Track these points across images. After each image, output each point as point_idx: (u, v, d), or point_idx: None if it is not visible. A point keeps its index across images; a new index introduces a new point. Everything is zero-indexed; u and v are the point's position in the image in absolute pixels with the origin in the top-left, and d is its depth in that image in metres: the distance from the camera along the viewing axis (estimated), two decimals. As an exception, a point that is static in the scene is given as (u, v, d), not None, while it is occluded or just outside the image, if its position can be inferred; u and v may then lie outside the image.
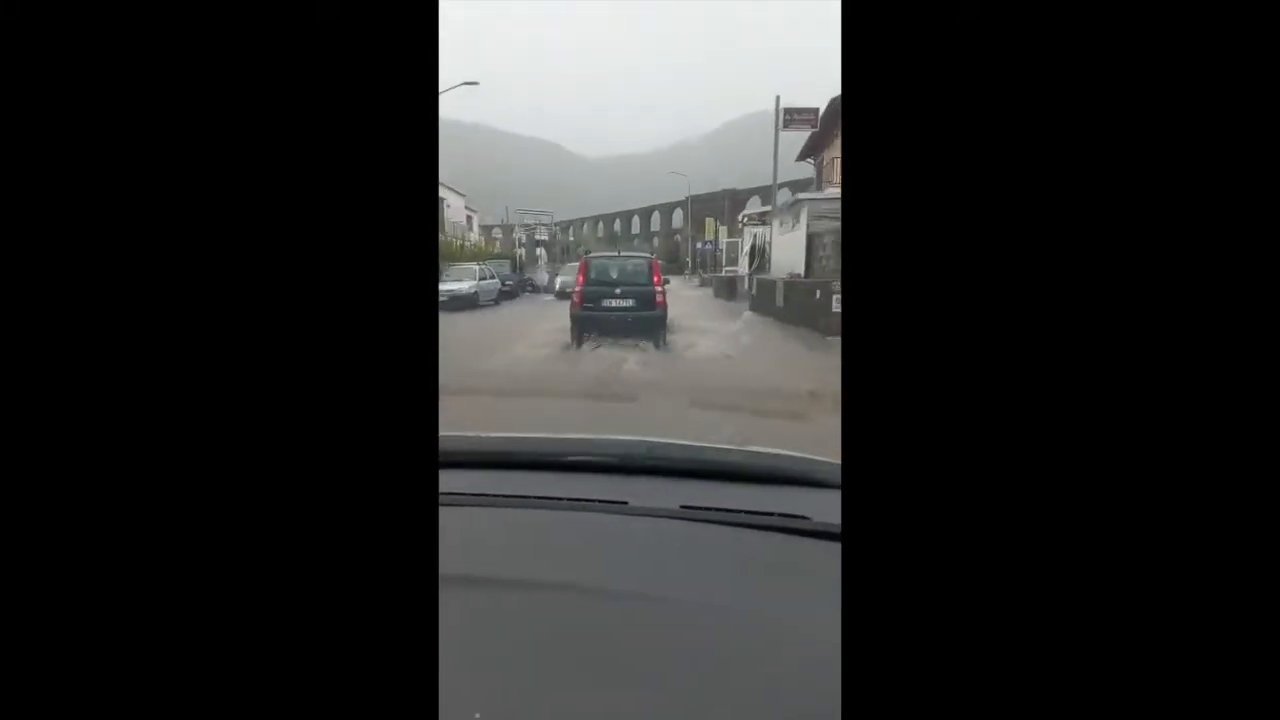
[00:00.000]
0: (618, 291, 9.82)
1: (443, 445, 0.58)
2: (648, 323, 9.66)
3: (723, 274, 27.06)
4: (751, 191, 51.44)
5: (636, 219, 65.15)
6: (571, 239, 66.53)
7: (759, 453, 1.31)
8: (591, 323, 9.74)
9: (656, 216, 62.94)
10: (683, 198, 54.11)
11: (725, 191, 51.10)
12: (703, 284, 32.59)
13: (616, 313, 9.70)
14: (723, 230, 37.10)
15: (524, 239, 37.23)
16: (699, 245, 39.09)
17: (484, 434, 1.40)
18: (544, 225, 38.67)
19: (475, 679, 0.62)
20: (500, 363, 8.35)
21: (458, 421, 1.22)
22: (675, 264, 41.10)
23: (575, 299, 9.98)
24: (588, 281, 9.98)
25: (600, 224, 69.63)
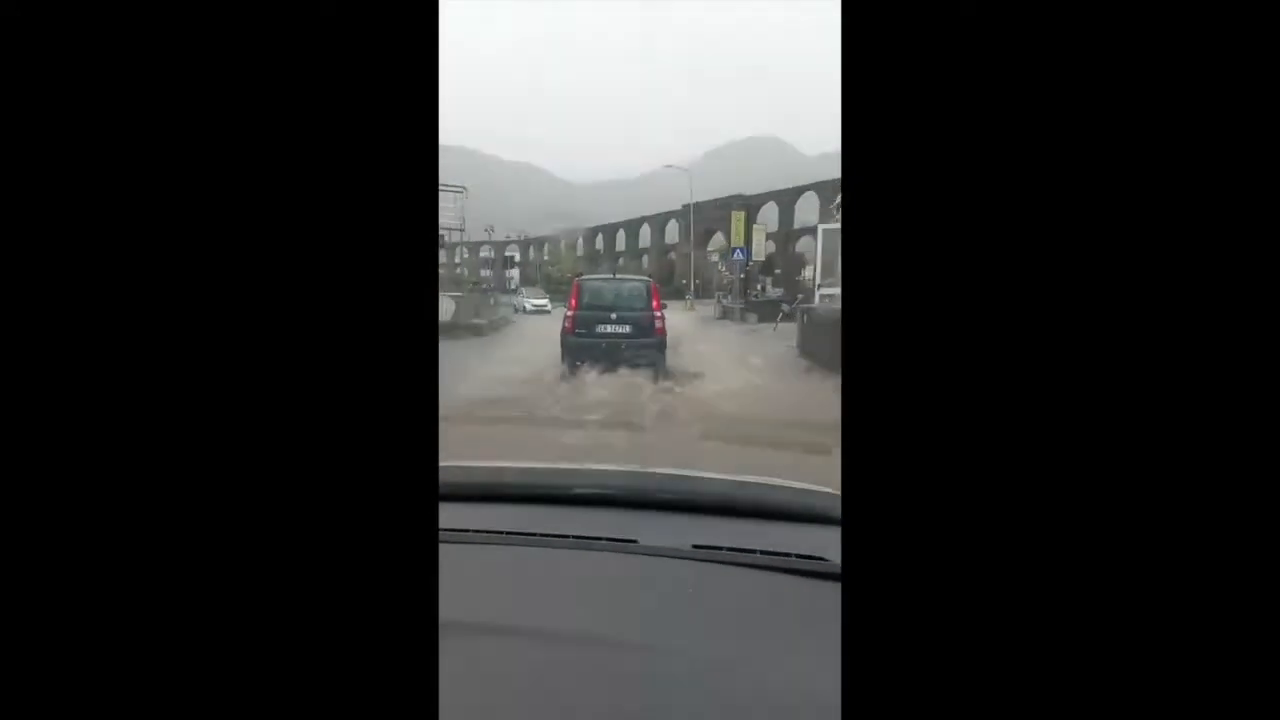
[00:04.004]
0: (613, 316, 9.45)
1: (442, 476, 0.55)
2: (645, 350, 9.14)
3: (816, 304, 12.97)
4: (765, 197, 41.55)
5: (622, 233, 54.74)
6: (546, 258, 56.45)
7: (777, 486, 1.23)
8: (584, 349, 9.17)
9: (646, 230, 52.65)
10: (678, 207, 44.16)
11: (734, 197, 40.91)
12: (724, 315, 21.19)
13: (611, 339, 9.29)
14: (757, 232, 26.39)
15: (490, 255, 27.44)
16: (733, 253, 28.01)
17: (481, 464, 1.33)
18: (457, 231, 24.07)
19: None
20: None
21: (454, 451, 1.12)
22: (670, 286, 30.49)
23: (567, 324, 9.63)
24: (581, 305, 9.60)
25: (580, 240, 59.13)
